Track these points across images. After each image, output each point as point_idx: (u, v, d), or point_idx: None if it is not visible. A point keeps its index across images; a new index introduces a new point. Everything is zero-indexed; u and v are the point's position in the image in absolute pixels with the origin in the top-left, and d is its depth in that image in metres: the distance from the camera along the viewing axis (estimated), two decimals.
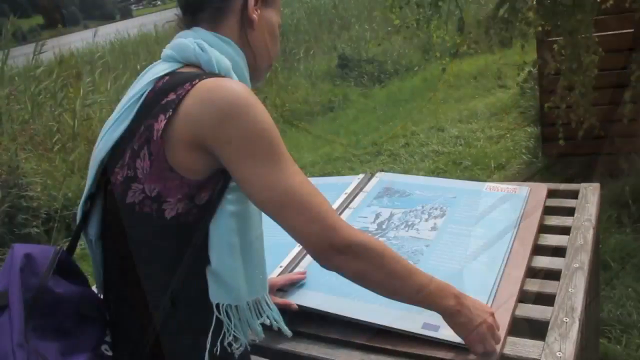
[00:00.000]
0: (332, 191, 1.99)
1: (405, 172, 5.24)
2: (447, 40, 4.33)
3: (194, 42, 1.08)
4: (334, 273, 1.51)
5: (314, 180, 2.15)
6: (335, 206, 1.90)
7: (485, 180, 4.57)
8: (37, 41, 7.51)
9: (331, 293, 1.47)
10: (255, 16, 1.13)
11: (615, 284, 2.89)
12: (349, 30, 11.99)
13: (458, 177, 4.83)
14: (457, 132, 6.06)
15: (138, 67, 9.85)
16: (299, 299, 1.48)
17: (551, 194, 1.86)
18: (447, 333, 1.25)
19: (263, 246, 1.15)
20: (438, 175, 5.04)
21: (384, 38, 7.88)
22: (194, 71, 1.06)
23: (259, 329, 1.16)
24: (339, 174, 5.71)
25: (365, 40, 10.73)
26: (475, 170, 4.89)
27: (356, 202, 1.90)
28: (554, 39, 3.82)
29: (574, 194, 1.84)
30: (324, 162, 6.13)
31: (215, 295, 1.08)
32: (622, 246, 3.18)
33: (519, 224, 1.63)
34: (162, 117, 1.00)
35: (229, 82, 1.02)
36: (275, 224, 1.80)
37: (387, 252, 1.10)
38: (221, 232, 1.05)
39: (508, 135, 5.66)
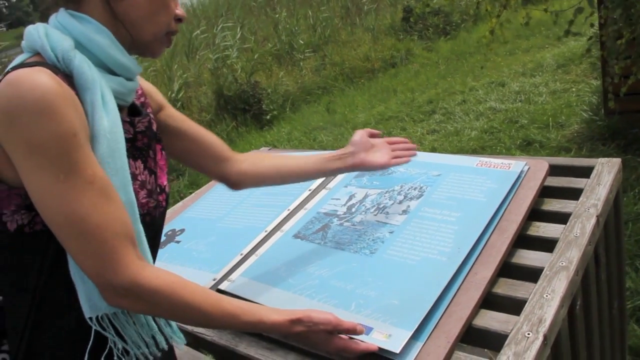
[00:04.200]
0: None
1: (458, 132, 4.95)
2: None
3: (37, 27, 0.95)
4: (283, 265, 1.39)
5: (307, 154, 2.02)
6: (314, 186, 1.73)
7: (540, 141, 4.26)
8: None
9: (275, 285, 1.35)
10: None
11: None
12: None
13: (512, 137, 4.50)
14: (519, 87, 5.65)
15: None
16: (239, 288, 1.38)
17: (559, 171, 1.60)
18: (379, 338, 1.10)
19: None
20: (492, 134, 4.71)
21: None
22: (31, 61, 0.92)
23: (158, 336, 1.04)
24: (389, 134, 5.46)
25: None
26: (532, 129, 4.52)
27: (335, 181, 1.72)
28: None
29: (589, 172, 1.57)
30: (376, 121, 5.89)
31: (87, 307, 0.95)
32: None
33: (504, 209, 1.39)
34: None
35: (24, 78, 0.86)
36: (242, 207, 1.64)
37: (179, 292, 0.95)
38: None
39: (573, 89, 5.20)
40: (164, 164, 1.13)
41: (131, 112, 1.08)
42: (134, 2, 0.98)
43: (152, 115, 1.12)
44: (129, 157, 0.97)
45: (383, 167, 1.43)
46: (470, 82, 6.34)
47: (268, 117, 6.88)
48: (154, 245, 1.09)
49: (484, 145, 4.49)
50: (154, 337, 1.03)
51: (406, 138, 1.51)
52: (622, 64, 3.15)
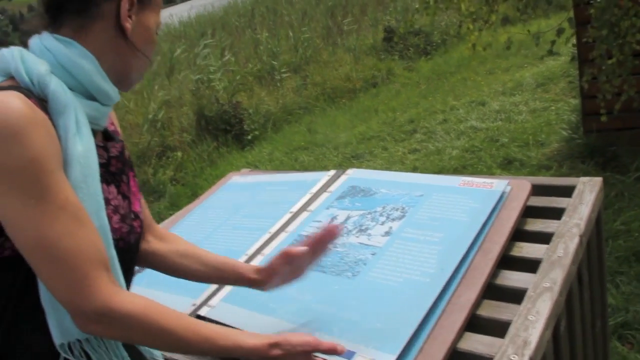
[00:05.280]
0: (299, 190, 1.82)
1: (439, 151, 4.97)
2: (472, 12, 3.97)
3: (11, 50, 0.94)
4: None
5: (285, 176, 2.00)
6: (296, 208, 1.71)
7: (521, 160, 4.29)
8: None
9: (256, 310, 1.32)
10: (128, 25, 0.99)
11: None
12: (395, 2, 11.55)
13: (493, 156, 4.52)
14: (499, 106, 5.70)
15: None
16: (220, 314, 1.35)
17: (542, 190, 1.59)
18: None
19: None
20: (473, 153, 4.73)
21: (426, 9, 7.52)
22: (4, 85, 0.91)
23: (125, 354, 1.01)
24: (371, 154, 5.49)
25: (412, 12, 10.30)
26: (512, 147, 4.55)
27: (317, 203, 1.70)
28: (590, 1, 3.45)
29: (571, 192, 1.57)
30: (358, 141, 5.90)
31: (58, 333, 0.92)
32: None
33: (488, 229, 1.38)
34: None
35: (0, 103, 0.85)
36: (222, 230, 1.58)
37: (152, 316, 0.93)
38: None
39: (552, 107, 5.26)
40: (136, 191, 1.12)
41: (104, 137, 1.07)
42: (136, 39, 1.01)
43: (123, 142, 1.11)
44: (102, 181, 0.96)
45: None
46: (451, 101, 6.38)
47: (249, 137, 6.86)
48: (129, 270, 1.07)
49: (466, 164, 4.51)
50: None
51: (336, 225, 1.31)
52: (616, 82, 3.20)
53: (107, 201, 0.99)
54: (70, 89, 0.94)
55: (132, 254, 1.08)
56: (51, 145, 0.87)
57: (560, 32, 3.42)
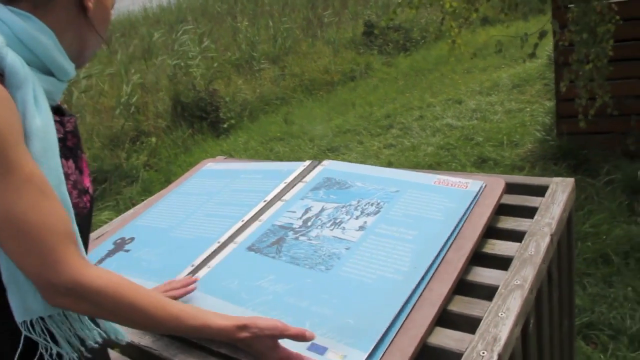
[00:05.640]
0: (273, 179, 1.80)
1: (414, 147, 4.99)
2: (455, 8, 3.99)
3: None
4: (236, 278, 1.36)
5: (260, 165, 1.99)
6: (269, 197, 1.69)
7: (494, 159, 4.33)
8: None
9: (227, 299, 1.30)
10: (90, 3, 0.99)
11: (614, 282, 2.61)
12: None
13: (467, 154, 4.56)
14: (475, 105, 5.74)
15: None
16: (193, 302, 1.32)
17: (515, 189, 1.61)
18: (334, 358, 1.07)
19: None
20: (448, 151, 4.76)
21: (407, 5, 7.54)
22: None
23: (93, 333, 1.00)
24: (346, 147, 5.49)
25: (395, 6, 10.32)
26: (487, 147, 4.59)
27: (291, 193, 1.69)
28: (569, 5, 3.48)
29: (544, 191, 1.59)
30: (334, 134, 5.90)
31: (21, 311, 0.90)
32: (629, 238, 2.89)
33: (461, 227, 1.39)
34: None
35: None
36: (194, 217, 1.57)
37: (122, 292, 0.94)
38: None
39: (527, 109, 5.32)
40: (85, 166, 1.10)
41: (56, 112, 1.06)
42: (94, 18, 1.01)
43: (75, 117, 1.10)
44: (61, 156, 0.95)
45: None
46: (428, 98, 6.42)
47: (225, 125, 6.80)
48: (84, 247, 1.06)
49: (440, 162, 4.53)
50: (88, 334, 0.99)
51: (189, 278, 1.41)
52: (592, 87, 3.24)
53: (67, 176, 0.98)
54: (27, 63, 0.92)
55: (87, 231, 1.07)
56: (13, 119, 0.86)
57: (542, 34, 3.45)
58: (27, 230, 0.84)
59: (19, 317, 0.90)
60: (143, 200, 2.21)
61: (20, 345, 0.91)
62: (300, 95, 7.86)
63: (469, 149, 4.65)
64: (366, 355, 1.05)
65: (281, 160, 5.27)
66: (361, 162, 4.88)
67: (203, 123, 6.77)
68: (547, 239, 1.36)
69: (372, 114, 6.31)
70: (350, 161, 4.86)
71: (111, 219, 4.46)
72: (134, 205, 4.90)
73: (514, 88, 6.07)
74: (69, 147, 1.02)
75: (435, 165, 4.45)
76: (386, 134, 5.59)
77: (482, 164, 4.34)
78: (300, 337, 1.08)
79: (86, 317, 0.99)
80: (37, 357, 0.92)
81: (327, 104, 7.33)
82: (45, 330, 0.92)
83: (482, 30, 9.34)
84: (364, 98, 7.16)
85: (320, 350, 1.09)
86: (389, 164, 4.67)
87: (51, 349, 0.92)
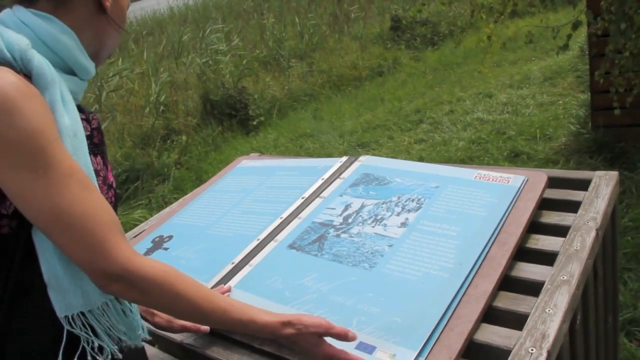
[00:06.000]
0: (310, 175, 1.80)
1: (445, 142, 4.95)
2: (491, 2, 3.93)
3: None
4: (279, 277, 1.36)
5: (296, 162, 1.99)
6: (307, 194, 1.69)
7: (527, 153, 4.27)
8: None
9: (271, 298, 1.30)
10: (108, 3, 1.02)
11: None
12: None
13: (500, 148, 4.51)
14: (506, 99, 5.67)
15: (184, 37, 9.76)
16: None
17: (557, 183, 1.58)
18: (383, 357, 1.06)
19: None
20: (480, 145, 4.71)
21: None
22: None
23: (127, 328, 1.02)
24: (377, 143, 5.47)
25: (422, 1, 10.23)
26: (519, 140, 4.53)
27: (330, 190, 1.68)
28: None
29: (586, 185, 1.56)
30: (364, 129, 5.88)
31: (60, 307, 0.93)
32: None
33: (503, 222, 1.37)
34: None
35: None
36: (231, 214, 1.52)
37: (171, 282, 0.96)
38: (43, 237, 0.90)
39: (560, 101, 5.23)
40: (108, 161, 1.12)
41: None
42: (119, 3, 1.04)
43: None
44: (89, 153, 0.97)
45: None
46: (457, 92, 6.35)
47: (254, 122, 6.83)
48: None
49: (472, 156, 4.49)
50: (127, 329, 1.02)
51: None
52: (630, 76, 3.17)
53: (97, 173, 1.00)
54: (51, 64, 0.95)
55: None
56: (49, 116, 0.88)
57: (576, 25, 3.38)
58: (75, 223, 0.87)
59: (60, 312, 0.93)
60: (175, 198, 2.23)
61: (64, 339, 0.93)
62: (329, 91, 7.85)
63: (501, 143, 4.59)
64: (415, 354, 1.05)
65: (311, 156, 5.28)
66: (392, 158, 4.86)
67: (232, 120, 6.81)
68: (593, 234, 1.34)
69: (401, 109, 6.27)
70: (381, 157, 4.84)
71: (144, 217, 4.53)
72: (166, 203, 4.96)
73: (545, 81, 5.98)
74: (96, 144, 1.04)
75: (467, 159, 4.41)
76: (416, 128, 5.56)
77: (514, 158, 4.28)
78: (343, 337, 1.09)
79: (131, 311, 1.01)
80: (79, 350, 0.94)
81: (356, 100, 7.30)
82: (86, 325, 0.94)
83: (510, 22, 9.20)
84: (393, 93, 7.12)
85: (369, 349, 1.08)
86: (420, 159, 4.64)
87: (92, 342, 0.95)
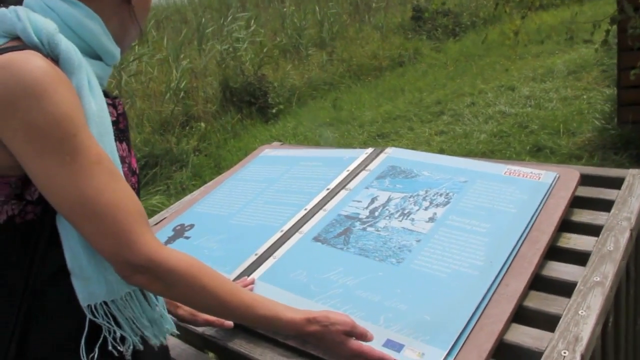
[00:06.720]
0: (335, 166, 1.77)
1: (466, 134, 4.90)
2: None
3: (15, 10, 0.91)
4: (303, 270, 1.34)
5: (320, 152, 1.96)
6: (332, 185, 1.67)
7: (550, 148, 4.21)
8: None
9: (296, 292, 1.28)
10: None
11: None
12: None
13: (522, 142, 4.45)
14: (529, 92, 5.59)
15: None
16: (258, 292, 1.29)
17: (589, 181, 1.54)
18: (412, 356, 1.04)
19: None
20: (502, 138, 4.65)
21: None
22: (11, 45, 0.88)
23: (146, 322, 1.00)
24: (397, 134, 5.43)
25: None
26: (542, 135, 4.47)
27: (355, 181, 1.66)
28: None
29: (619, 183, 1.52)
30: (384, 120, 5.84)
31: (83, 296, 0.92)
32: None
33: (535, 220, 1.34)
34: None
35: (19, 62, 0.83)
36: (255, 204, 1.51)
37: (196, 274, 0.95)
38: (68, 224, 0.89)
39: (584, 96, 5.15)
40: (132, 147, 1.10)
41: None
42: (137, 7, 1.02)
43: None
44: (115, 140, 0.96)
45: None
46: (479, 84, 6.28)
47: (274, 110, 6.81)
48: None
49: (494, 149, 4.44)
50: (151, 322, 1.01)
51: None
52: None
53: (123, 159, 0.99)
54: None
55: None
56: (77, 102, 0.87)
57: (614, 20, 3.30)
58: (101, 212, 0.85)
59: (83, 302, 0.92)
60: (193, 185, 2.21)
61: (86, 327, 0.92)
62: (349, 81, 7.81)
63: (524, 136, 4.53)
64: (445, 354, 1.02)
65: (331, 146, 5.25)
66: (412, 149, 4.82)
67: (252, 108, 6.80)
68: (627, 234, 1.30)
69: (421, 100, 6.22)
70: (401, 148, 4.81)
71: (162, 203, 4.54)
72: (184, 190, 4.96)
73: (569, 74, 5.89)
74: (121, 130, 1.03)
75: (489, 153, 4.36)
76: (437, 120, 5.51)
77: (537, 153, 4.23)
78: (362, 337, 1.08)
79: (152, 298, 1.00)
80: (100, 340, 0.93)
81: (376, 90, 7.26)
82: (108, 314, 0.94)
83: (534, 15, 9.08)
84: (413, 84, 7.06)
85: (397, 347, 1.06)
86: (441, 151, 4.60)
87: (114, 332, 0.94)
